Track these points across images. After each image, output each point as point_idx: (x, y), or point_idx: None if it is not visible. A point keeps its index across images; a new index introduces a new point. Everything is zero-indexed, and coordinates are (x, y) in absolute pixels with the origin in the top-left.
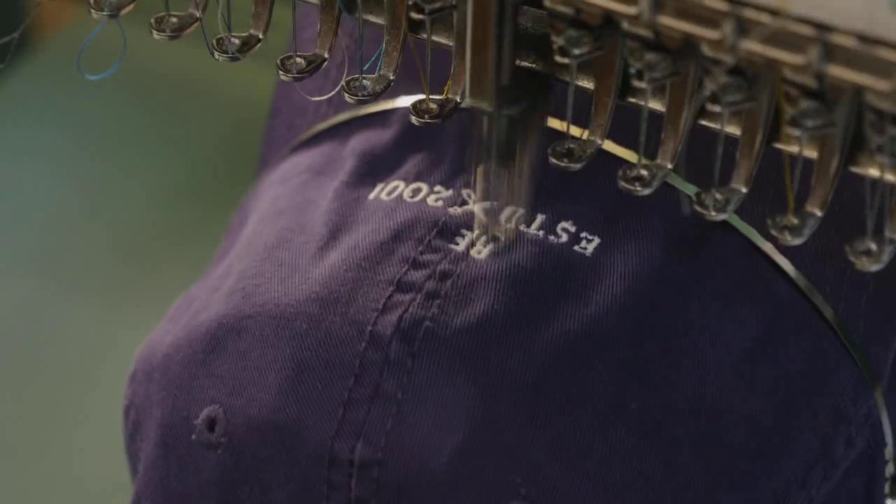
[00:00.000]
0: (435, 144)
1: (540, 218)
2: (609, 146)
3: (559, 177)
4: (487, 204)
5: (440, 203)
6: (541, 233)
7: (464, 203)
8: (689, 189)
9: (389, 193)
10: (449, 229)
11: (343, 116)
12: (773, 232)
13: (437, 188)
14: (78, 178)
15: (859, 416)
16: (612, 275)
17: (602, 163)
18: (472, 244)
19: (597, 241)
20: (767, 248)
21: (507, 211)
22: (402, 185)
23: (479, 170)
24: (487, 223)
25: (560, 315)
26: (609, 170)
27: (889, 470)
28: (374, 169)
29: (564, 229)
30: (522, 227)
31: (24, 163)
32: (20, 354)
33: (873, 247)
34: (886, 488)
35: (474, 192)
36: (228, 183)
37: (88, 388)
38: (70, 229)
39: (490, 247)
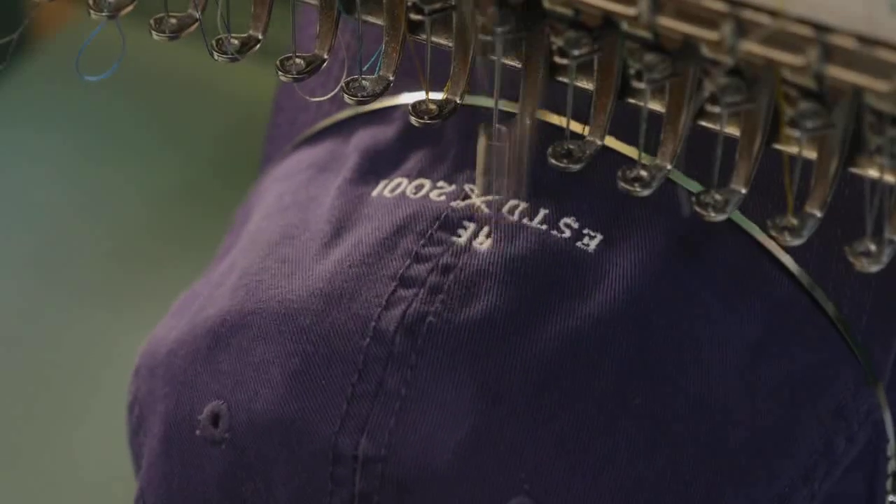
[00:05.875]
0: (438, 141)
1: (543, 212)
2: (613, 143)
3: (562, 173)
4: (489, 197)
5: (443, 198)
6: (543, 227)
7: (466, 197)
8: (693, 186)
9: (392, 190)
10: (451, 222)
11: (346, 113)
12: (773, 233)
13: (440, 184)
14: (77, 179)
15: (860, 412)
16: (615, 272)
17: (605, 159)
18: (475, 236)
19: (599, 237)
20: (770, 245)
21: (509, 204)
22: (405, 181)
23: (480, 164)
24: (489, 216)
25: (562, 312)
26: (612, 167)
27: (891, 466)
28: (377, 165)
29: (567, 225)
30: (525, 221)
31: (23, 163)
32: (20, 354)
33: (873, 248)
34: (888, 485)
35: (475, 186)
36: (228, 183)
37: (89, 387)
38: (70, 229)
39: (492, 238)
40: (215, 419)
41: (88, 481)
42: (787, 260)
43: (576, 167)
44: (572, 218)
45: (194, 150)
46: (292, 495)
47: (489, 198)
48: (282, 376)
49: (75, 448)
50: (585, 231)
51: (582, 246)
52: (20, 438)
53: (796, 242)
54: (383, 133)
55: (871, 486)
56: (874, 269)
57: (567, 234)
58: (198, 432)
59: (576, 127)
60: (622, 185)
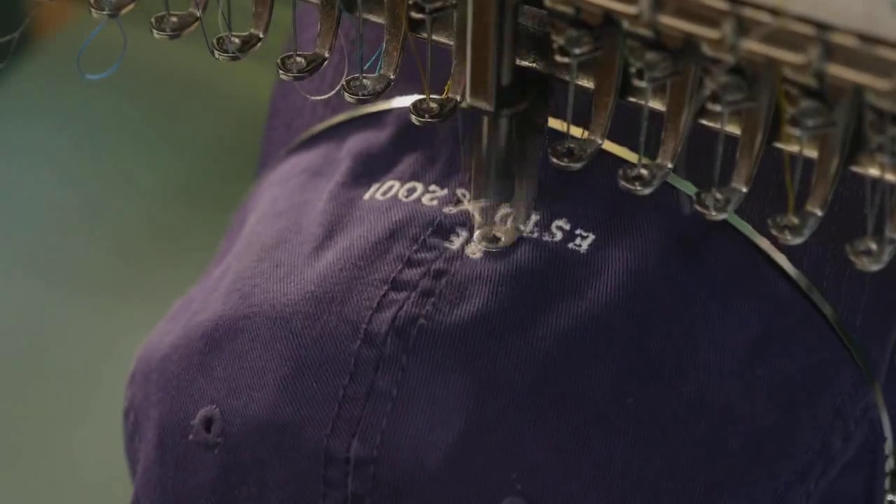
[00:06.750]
0: (430, 144)
1: (534, 218)
2: (606, 145)
3: (555, 176)
4: (484, 203)
5: (435, 202)
6: (535, 233)
7: (458, 202)
8: (690, 188)
9: (384, 193)
10: (444, 228)
11: (340, 117)
12: (774, 231)
13: (432, 187)
14: (78, 178)
15: (857, 411)
16: (608, 271)
17: (599, 161)
18: (467, 243)
19: (591, 237)
20: (766, 246)
21: (503, 211)
22: (397, 184)
23: (476, 170)
24: (484, 223)
25: (555, 312)
26: (606, 168)
27: (889, 465)
28: (369, 169)
29: (559, 227)
30: (520, 228)
31: (24, 163)
32: (20, 354)
33: (873, 246)
34: (887, 483)
35: (470, 191)
36: (228, 183)
37: (88, 388)
38: (70, 229)
39: (484, 245)
40: (208, 424)
41: (84, 485)
42: (783, 262)
43: (577, 166)
44: (564, 220)
45: (194, 149)
46: (286, 499)
47: (481, 203)
48: (274, 380)
49: (75, 448)
50: (577, 232)
51: (573, 247)
52: (20, 438)
53: (797, 241)
54: (376, 137)
55: (869, 485)
56: (875, 267)
57: (558, 236)
58: (191, 437)
59: (574, 128)
60: (623, 183)
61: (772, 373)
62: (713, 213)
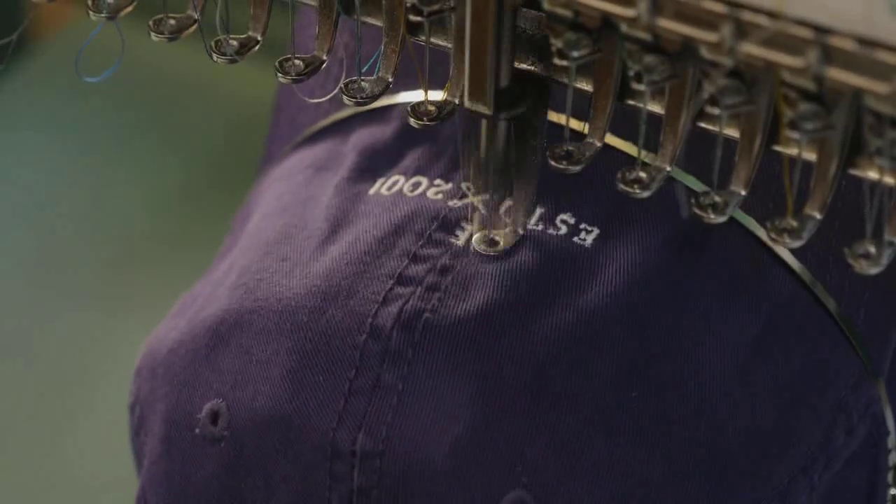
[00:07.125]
0: (435, 139)
1: (539, 211)
2: (611, 140)
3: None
4: (486, 201)
5: (440, 196)
6: (540, 226)
7: (464, 196)
8: (692, 182)
9: (390, 188)
10: (449, 223)
11: (345, 112)
12: (772, 234)
13: (437, 182)
14: (77, 179)
15: (860, 405)
16: (612, 266)
17: (605, 156)
18: (473, 237)
19: (596, 231)
20: (770, 241)
21: (507, 204)
22: (402, 179)
23: (475, 171)
24: (487, 221)
25: (559, 306)
26: (611, 163)
27: (892, 459)
28: (374, 164)
29: (564, 221)
30: (518, 231)
31: (23, 163)
32: (20, 355)
33: (872, 249)
34: (890, 477)
35: (473, 188)
36: (227, 184)
37: (88, 388)
38: (69, 230)
39: (482, 248)
40: (214, 417)
41: (84, 485)
42: (787, 256)
43: (575, 168)
44: (569, 214)
45: (193, 151)
46: (292, 492)
47: (486, 197)
48: (280, 374)
49: (75, 449)
50: (582, 226)
51: (578, 241)
52: (21, 440)
53: (796, 244)
54: (381, 132)
55: (872, 479)
56: (873, 271)
57: (563, 230)
58: (197, 430)
59: (576, 125)
60: (622, 186)
61: (772, 372)
62: (711, 216)
